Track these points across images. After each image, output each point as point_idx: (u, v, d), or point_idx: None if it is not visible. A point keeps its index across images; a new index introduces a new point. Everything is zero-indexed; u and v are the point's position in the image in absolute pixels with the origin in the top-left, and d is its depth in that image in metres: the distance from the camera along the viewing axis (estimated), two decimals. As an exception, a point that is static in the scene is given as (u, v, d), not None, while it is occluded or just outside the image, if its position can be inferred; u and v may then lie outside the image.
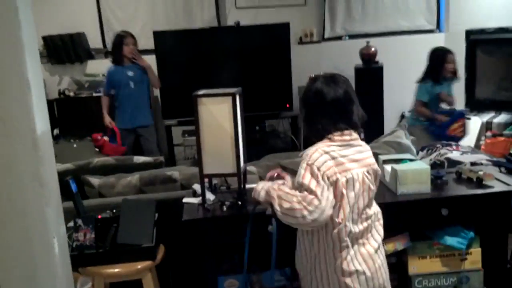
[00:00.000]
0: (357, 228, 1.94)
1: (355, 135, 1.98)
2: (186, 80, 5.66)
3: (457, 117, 4.83)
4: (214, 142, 2.30)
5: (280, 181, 2.03)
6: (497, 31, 6.14)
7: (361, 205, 1.94)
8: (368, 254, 1.96)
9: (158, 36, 5.65)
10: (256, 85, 5.75)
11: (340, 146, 1.92)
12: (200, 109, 2.27)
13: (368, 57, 6.11)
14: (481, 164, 2.92)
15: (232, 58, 5.82)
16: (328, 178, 1.85)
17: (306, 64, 6.21)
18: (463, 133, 4.86)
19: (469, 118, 5.81)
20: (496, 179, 2.45)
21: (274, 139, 5.98)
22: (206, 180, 2.45)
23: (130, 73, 4.84)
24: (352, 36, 6.60)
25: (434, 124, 4.78)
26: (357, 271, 1.93)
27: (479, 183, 2.39)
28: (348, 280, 1.92)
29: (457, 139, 4.63)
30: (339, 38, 6.62)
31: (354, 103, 1.99)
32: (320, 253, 1.95)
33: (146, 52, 6.07)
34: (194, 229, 2.30)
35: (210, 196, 2.42)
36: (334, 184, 1.87)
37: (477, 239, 2.41)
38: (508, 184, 2.39)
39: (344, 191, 1.88)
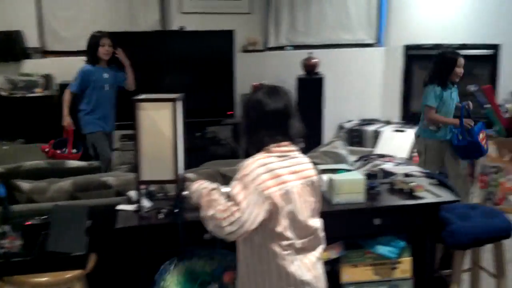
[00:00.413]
0: (299, 240, 1.95)
1: (292, 147, 1.99)
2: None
3: (481, 128, 4.49)
4: (153, 148, 2.26)
5: (212, 186, 2.00)
6: (433, 47, 6.40)
7: (302, 218, 1.94)
8: (311, 264, 1.98)
9: (99, 37, 5.51)
10: (198, 91, 5.72)
11: (278, 157, 1.93)
12: (140, 114, 2.23)
13: (309, 68, 6.21)
14: (413, 175, 3.02)
15: (175, 63, 5.76)
16: (260, 192, 1.84)
17: (250, 72, 6.24)
18: (486, 145, 4.54)
19: (403, 131, 6.01)
20: (427, 190, 2.53)
21: (215, 146, 5.96)
22: (143, 186, 2.40)
23: (106, 75, 4.70)
24: (296, 47, 6.70)
25: (461, 130, 4.32)
26: (302, 281, 1.93)
27: (410, 194, 2.47)
28: None
29: (485, 151, 4.47)
30: (282, 48, 6.71)
31: (293, 117, 1.99)
32: (263, 265, 1.93)
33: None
34: (129, 237, 2.26)
35: (146, 203, 2.37)
36: (269, 198, 1.86)
37: (408, 248, 2.49)
38: (437, 195, 2.48)
39: (280, 204, 1.88)
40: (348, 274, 2.48)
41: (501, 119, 5.48)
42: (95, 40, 4.68)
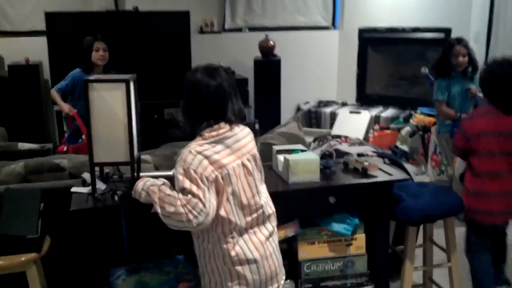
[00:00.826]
0: (244, 221, 1.96)
1: (227, 126, 1.96)
2: (78, 65, 5.41)
3: None
4: (106, 130, 2.22)
5: (159, 182, 1.98)
6: (387, 30, 6.51)
7: (245, 197, 1.96)
8: (260, 242, 2.00)
9: (51, 17, 5.36)
10: (154, 73, 5.65)
11: (212, 143, 1.92)
12: (92, 94, 2.18)
13: (266, 50, 6.23)
14: (367, 155, 3.08)
15: (130, 44, 5.66)
16: (207, 179, 1.85)
17: (207, 53, 6.19)
18: None
19: (359, 112, 6.11)
20: (380, 169, 2.59)
21: (173, 128, 5.92)
22: (97, 168, 2.36)
23: None
24: (252, 29, 6.68)
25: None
26: (247, 259, 1.95)
27: (364, 173, 2.52)
28: (239, 268, 1.95)
29: None
30: (239, 29, 6.68)
31: (229, 98, 1.97)
32: (209, 249, 1.96)
33: (37, 33, 5.74)
34: (83, 219, 2.22)
35: (100, 185, 2.34)
36: (215, 182, 1.87)
37: (361, 225, 2.55)
38: (390, 174, 2.54)
39: (223, 187, 1.89)
40: (305, 251, 2.53)
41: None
42: (87, 44, 4.19)
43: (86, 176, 2.43)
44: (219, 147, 1.92)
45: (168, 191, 1.90)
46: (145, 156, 2.77)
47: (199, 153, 1.88)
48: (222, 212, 1.91)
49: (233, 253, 1.93)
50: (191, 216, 1.81)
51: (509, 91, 2.75)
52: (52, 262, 2.44)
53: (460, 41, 3.97)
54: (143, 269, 2.29)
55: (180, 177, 1.86)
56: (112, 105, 2.19)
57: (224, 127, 1.95)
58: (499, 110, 2.78)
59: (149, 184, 1.97)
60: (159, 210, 1.87)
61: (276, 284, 2.06)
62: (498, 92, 2.78)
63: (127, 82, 2.17)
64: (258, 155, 2.08)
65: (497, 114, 2.79)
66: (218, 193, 1.90)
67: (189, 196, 1.83)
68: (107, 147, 2.24)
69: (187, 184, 1.84)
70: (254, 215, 2.00)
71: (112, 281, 2.25)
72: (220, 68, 2.02)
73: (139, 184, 2.01)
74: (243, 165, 1.97)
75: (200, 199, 1.82)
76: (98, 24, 5.56)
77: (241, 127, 2.05)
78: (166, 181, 2.01)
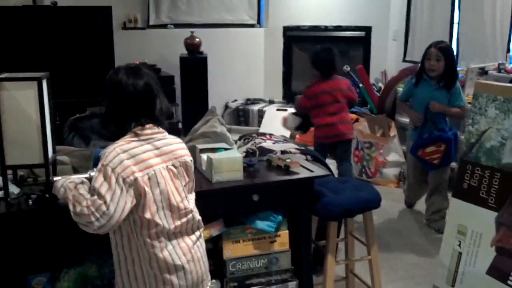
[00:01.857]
0: (173, 225, 1.92)
1: (158, 129, 1.95)
2: (-6, 63, 5.13)
3: (436, 140, 3.80)
4: (18, 131, 2.11)
5: (78, 180, 1.92)
6: (310, 29, 6.65)
7: (175, 200, 1.92)
8: (187, 247, 1.96)
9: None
10: (77, 71, 5.45)
11: (141, 141, 1.89)
12: (1, 94, 2.06)
13: (192, 47, 6.18)
14: (290, 152, 3.13)
15: (48, 41, 5.42)
16: (124, 180, 1.80)
17: (131, 50, 6.06)
18: (439, 161, 3.84)
19: (285, 110, 6.18)
20: (302, 166, 2.63)
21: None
22: (10, 172, 2.24)
23: None
24: (178, 25, 6.60)
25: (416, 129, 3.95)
26: (175, 265, 1.91)
27: (286, 170, 2.56)
28: (166, 275, 1.90)
29: (428, 165, 3.92)
30: (164, 26, 6.58)
31: (156, 96, 1.95)
32: (133, 255, 1.89)
33: None
34: (-4, 225, 2.11)
35: (14, 189, 2.22)
36: (134, 184, 1.82)
37: (285, 222, 2.58)
38: (311, 171, 2.59)
39: (147, 189, 1.84)
40: (230, 250, 2.52)
41: (373, 97, 5.85)
42: None
43: (-2, 180, 2.30)
44: (147, 146, 1.88)
45: (82, 190, 1.85)
46: (62, 157, 2.66)
47: (125, 151, 1.83)
48: (148, 215, 1.86)
49: (160, 257, 1.88)
50: (93, 218, 1.76)
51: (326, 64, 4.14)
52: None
53: (436, 44, 3.76)
54: (88, 261, 2.26)
55: (96, 173, 1.82)
56: (24, 105, 2.08)
57: (153, 128, 1.92)
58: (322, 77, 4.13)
59: (68, 181, 1.92)
60: (71, 208, 1.82)
61: None
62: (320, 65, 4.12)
63: (39, 81, 2.07)
64: (190, 164, 2.04)
65: (322, 79, 4.15)
66: (141, 195, 1.84)
67: (95, 197, 1.78)
68: (20, 149, 2.13)
69: (98, 182, 1.79)
70: (184, 219, 1.96)
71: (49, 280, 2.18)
72: (143, 66, 1.99)
73: (60, 181, 1.95)
74: (169, 169, 1.93)
75: (105, 202, 1.76)
76: (14, 20, 5.29)
77: (174, 136, 2.03)
78: (86, 180, 1.95)
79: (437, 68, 3.71)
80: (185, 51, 6.19)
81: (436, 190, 4.04)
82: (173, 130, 2.34)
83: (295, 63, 6.92)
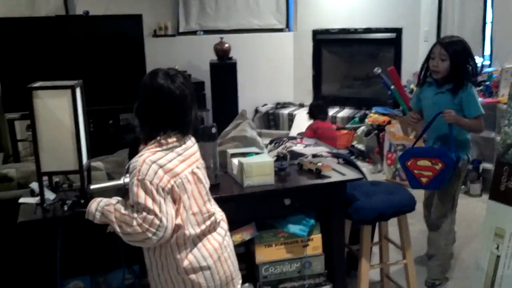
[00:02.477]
0: (198, 229, 1.93)
1: (183, 137, 1.95)
2: (29, 72, 5.26)
3: (435, 155, 3.02)
4: (53, 138, 2.16)
5: (113, 200, 1.93)
6: (340, 31, 6.60)
7: (196, 205, 1.94)
8: (214, 248, 1.97)
9: (-3, 23, 5.19)
10: (109, 78, 5.54)
11: (165, 151, 1.88)
12: (36, 102, 2.11)
13: (222, 53, 6.21)
14: (321, 156, 3.10)
15: (81, 50, 5.53)
16: (163, 189, 1.81)
17: (161, 57, 6.13)
18: (427, 182, 3.05)
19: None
20: (333, 169, 2.61)
21: (128, 134, 5.82)
22: (45, 178, 2.29)
23: None
24: (207, 31, 6.65)
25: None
26: (201, 267, 1.92)
27: (318, 174, 2.54)
28: (193, 277, 1.91)
29: (412, 180, 3.11)
30: (194, 32, 6.64)
31: (190, 106, 1.94)
32: (162, 260, 1.92)
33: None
34: (32, 230, 2.15)
35: (49, 195, 2.26)
36: (171, 192, 1.84)
37: (317, 226, 2.56)
38: (343, 174, 2.56)
39: (178, 196, 1.87)
40: (262, 254, 2.52)
41: (405, 99, 5.76)
42: None
43: (34, 186, 2.35)
44: (171, 155, 1.88)
45: (123, 210, 1.85)
46: (96, 163, 2.71)
47: (154, 162, 1.83)
48: (179, 221, 1.87)
49: (186, 263, 1.90)
50: (149, 234, 1.78)
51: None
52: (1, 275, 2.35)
53: (443, 40, 3.14)
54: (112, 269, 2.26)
55: (135, 189, 1.80)
56: (58, 113, 2.13)
57: (178, 137, 1.92)
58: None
59: (103, 204, 1.92)
60: (118, 229, 1.83)
61: None
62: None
63: (72, 89, 2.11)
64: (204, 163, 2.07)
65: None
66: (175, 202, 1.86)
67: (144, 213, 1.78)
68: (55, 155, 2.17)
69: (141, 198, 1.78)
70: (208, 223, 1.97)
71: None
72: (180, 74, 1.96)
73: (92, 206, 1.94)
74: (193, 172, 1.94)
75: (156, 215, 1.77)
76: (47, 29, 5.42)
77: (191, 138, 2.03)
78: (119, 198, 1.95)
79: (441, 69, 3.04)
80: (214, 57, 6.23)
81: (435, 224, 3.26)
82: (207, 135, 2.36)
83: (325, 66, 6.88)
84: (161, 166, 1.83)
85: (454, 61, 3.02)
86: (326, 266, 2.59)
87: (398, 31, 6.33)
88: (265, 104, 6.94)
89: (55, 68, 5.32)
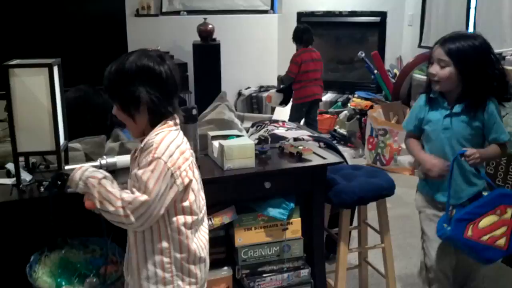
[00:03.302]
0: (200, 214, 1.87)
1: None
2: (6, 50, 5.15)
3: (497, 202, 2.24)
4: (30, 117, 2.12)
5: (99, 174, 1.78)
6: (324, 14, 6.57)
7: (199, 189, 1.87)
8: (206, 240, 1.91)
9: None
10: (88, 57, 5.45)
11: (177, 130, 1.80)
12: (13, 80, 2.07)
13: (205, 34, 6.15)
14: (303, 139, 3.09)
15: (61, 28, 5.43)
16: (172, 174, 1.71)
17: (143, 37, 6.05)
18: (507, 242, 2.24)
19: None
20: (314, 153, 2.60)
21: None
22: (22, 159, 2.25)
23: None
24: (190, 12, 6.57)
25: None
26: (199, 258, 1.85)
27: (299, 157, 2.53)
28: (192, 267, 1.83)
29: (486, 252, 2.25)
30: (177, 13, 6.55)
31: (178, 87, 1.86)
32: (163, 243, 1.78)
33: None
34: (8, 212, 2.11)
35: (26, 176, 2.23)
36: (181, 176, 1.74)
37: (297, 209, 2.56)
38: (324, 158, 2.56)
39: (188, 179, 1.77)
40: (242, 237, 2.51)
41: (388, 84, 5.78)
42: None
43: (10, 166, 2.31)
44: (181, 136, 1.81)
45: (108, 186, 1.73)
46: (74, 144, 2.67)
47: (171, 142, 1.74)
48: (186, 203, 1.78)
49: (191, 248, 1.81)
50: (132, 219, 1.67)
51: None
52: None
53: (444, 40, 2.33)
54: (66, 245, 2.14)
55: (145, 165, 1.69)
56: (35, 92, 2.08)
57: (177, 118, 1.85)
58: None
59: (88, 174, 1.77)
60: (98, 205, 1.71)
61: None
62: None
63: (50, 67, 2.06)
64: None
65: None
66: (186, 186, 1.77)
67: (136, 194, 1.68)
68: (32, 135, 2.13)
69: (146, 175, 1.67)
70: (204, 209, 1.92)
71: (31, 262, 2.07)
72: (166, 55, 1.86)
73: (77, 173, 1.79)
74: (192, 156, 1.87)
75: (149, 197, 1.66)
76: (26, 6, 5.30)
77: None
78: (107, 174, 1.81)
79: (441, 77, 2.32)
80: (198, 38, 6.16)
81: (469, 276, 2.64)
82: (188, 117, 2.32)
83: (309, 49, 6.84)
84: (178, 146, 1.74)
85: (461, 68, 2.28)
86: (305, 249, 2.60)
87: (383, 14, 6.32)
88: (248, 87, 6.91)
89: (33, 46, 5.22)
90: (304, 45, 5.40)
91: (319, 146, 2.93)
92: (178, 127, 1.83)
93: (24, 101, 2.09)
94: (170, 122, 1.80)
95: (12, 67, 2.06)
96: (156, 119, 1.79)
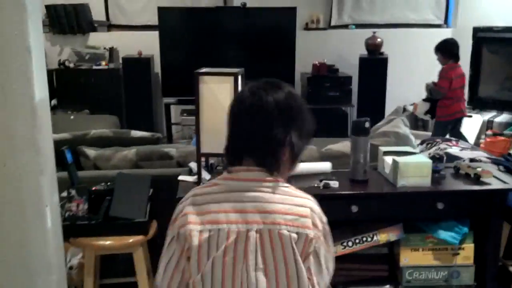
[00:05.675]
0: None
1: (259, 174, 1.41)
2: (188, 59, 5.63)
3: None
4: (213, 121, 2.28)
5: None
6: (504, 30, 6.10)
7: (237, 274, 1.34)
8: None
9: (163, 12, 5.62)
10: (259, 68, 5.70)
11: (224, 186, 1.41)
12: (201, 87, 2.25)
13: (373, 48, 6.07)
14: (480, 161, 2.90)
15: (236, 39, 5.78)
16: (178, 232, 1.40)
17: (311, 50, 6.18)
18: None
19: (470, 116, 5.78)
20: (494, 176, 2.43)
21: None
22: (202, 159, 2.43)
23: None
24: (359, 26, 6.55)
25: None
26: None
27: (477, 179, 2.37)
28: None
29: None
30: (345, 26, 6.57)
31: (280, 127, 1.43)
32: None
33: (149, 28, 6.04)
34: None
35: (205, 175, 2.40)
36: (186, 238, 1.37)
37: (470, 235, 2.40)
38: (505, 182, 2.37)
39: (197, 248, 1.35)
40: (407, 257, 2.43)
41: None
42: None
43: (193, 165, 2.50)
44: (226, 196, 1.43)
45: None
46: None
47: (197, 195, 1.45)
48: (191, 282, 1.38)
49: None
50: None
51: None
52: (157, 246, 2.54)
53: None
54: None
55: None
56: (220, 98, 2.23)
57: (252, 170, 1.46)
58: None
59: None
60: None
61: None
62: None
63: (235, 76, 2.20)
64: (291, 239, 1.34)
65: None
66: (190, 253, 1.39)
67: None
68: (213, 138, 2.29)
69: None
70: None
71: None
72: (283, 84, 1.62)
73: None
74: (247, 235, 1.34)
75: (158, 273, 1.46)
76: (206, 19, 5.74)
77: (290, 187, 1.45)
78: None
79: None
80: (365, 52, 6.11)
81: None
82: (360, 129, 2.32)
83: (484, 66, 6.40)
84: (198, 204, 1.43)
85: None
86: (475, 278, 2.43)
87: None
88: (413, 103, 6.66)
89: (210, 56, 5.61)
90: (454, 60, 5.15)
91: (499, 169, 2.72)
92: (235, 181, 1.45)
93: (210, 106, 2.26)
94: (228, 174, 1.48)
95: (203, 74, 2.24)
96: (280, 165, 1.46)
